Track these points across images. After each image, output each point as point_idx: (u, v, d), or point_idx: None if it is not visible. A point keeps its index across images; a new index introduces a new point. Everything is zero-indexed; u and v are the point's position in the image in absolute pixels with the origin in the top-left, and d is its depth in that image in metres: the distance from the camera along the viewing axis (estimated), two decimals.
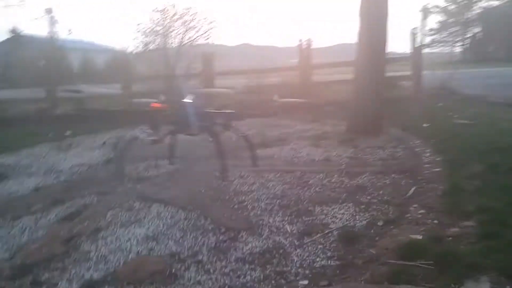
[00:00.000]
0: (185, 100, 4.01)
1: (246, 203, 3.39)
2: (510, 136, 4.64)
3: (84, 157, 5.44)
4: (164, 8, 12.05)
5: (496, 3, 35.75)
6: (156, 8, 12.63)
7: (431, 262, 2.19)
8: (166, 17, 11.93)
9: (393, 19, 7.50)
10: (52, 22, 18.14)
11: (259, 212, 3.20)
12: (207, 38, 9.61)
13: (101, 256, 2.63)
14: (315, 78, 8.80)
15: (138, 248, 2.70)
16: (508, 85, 10.55)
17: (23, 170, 4.97)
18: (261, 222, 3.02)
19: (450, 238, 2.54)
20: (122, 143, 5.21)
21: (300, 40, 8.49)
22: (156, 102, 4.38)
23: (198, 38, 9.62)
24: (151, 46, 12.45)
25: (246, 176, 4.06)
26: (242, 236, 2.81)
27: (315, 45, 8.77)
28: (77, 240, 2.87)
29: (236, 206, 3.34)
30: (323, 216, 3.07)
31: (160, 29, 12.20)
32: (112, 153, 5.35)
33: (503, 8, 34.27)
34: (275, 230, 2.89)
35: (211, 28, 9.56)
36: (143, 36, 12.72)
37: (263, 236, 2.80)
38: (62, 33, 19.34)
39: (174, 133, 4.22)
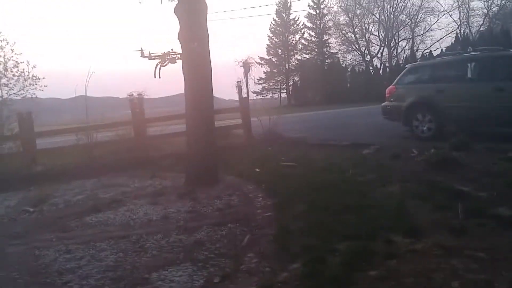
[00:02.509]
0: None
1: (72, 283, 3.00)
2: (323, 175, 5.34)
3: None
4: None
5: (307, 56, 42.45)
6: None
7: None
8: None
9: (218, 70, 7.86)
10: None
11: None
12: (24, 95, 8.60)
13: None
14: (151, 130, 8.63)
15: None
16: (321, 127, 12.45)
17: None
18: None
19: (280, 284, 2.70)
20: None
21: (131, 94, 7.97)
22: None
23: (11, 96, 8.54)
24: None
25: (74, 250, 3.61)
26: None
27: (154, 95, 8.54)
28: None
29: None
30: (160, 282, 2.92)
31: None
32: None
33: (313, 60, 41.01)
34: None
35: (29, 84, 8.58)
36: None
37: None
38: None
39: None
